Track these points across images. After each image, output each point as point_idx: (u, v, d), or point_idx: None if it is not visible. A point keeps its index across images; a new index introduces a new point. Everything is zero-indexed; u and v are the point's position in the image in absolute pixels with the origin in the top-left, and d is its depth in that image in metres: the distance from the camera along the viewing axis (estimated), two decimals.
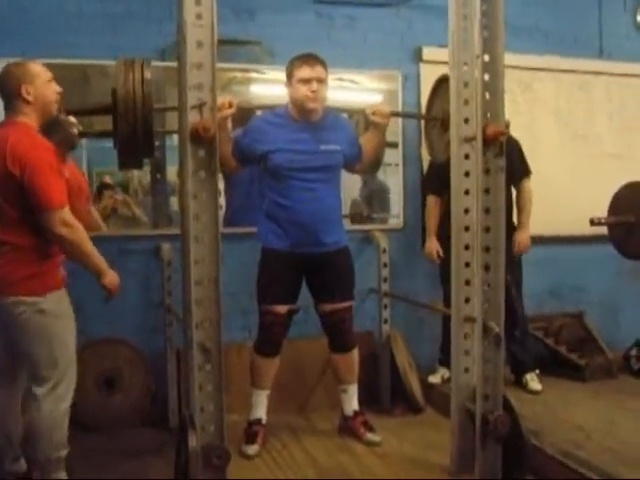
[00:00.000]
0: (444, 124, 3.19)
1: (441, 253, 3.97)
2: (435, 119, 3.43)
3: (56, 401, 2.65)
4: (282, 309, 3.35)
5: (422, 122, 3.94)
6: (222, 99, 3.05)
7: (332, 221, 3.44)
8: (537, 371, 4.07)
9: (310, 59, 3.32)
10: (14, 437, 2.81)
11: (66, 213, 2.59)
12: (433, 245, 4.06)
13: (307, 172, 3.33)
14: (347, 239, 3.54)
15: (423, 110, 4.26)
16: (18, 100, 2.66)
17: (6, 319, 2.63)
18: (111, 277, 2.78)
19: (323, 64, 3.34)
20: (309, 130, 3.36)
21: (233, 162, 3.34)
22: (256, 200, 3.50)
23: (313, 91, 3.27)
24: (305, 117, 3.36)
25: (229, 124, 3.43)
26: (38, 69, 2.72)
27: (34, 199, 2.55)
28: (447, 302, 3.81)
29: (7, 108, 2.71)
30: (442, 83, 3.35)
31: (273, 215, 3.38)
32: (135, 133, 2.73)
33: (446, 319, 3.98)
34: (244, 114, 3.62)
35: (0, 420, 2.80)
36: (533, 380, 4.00)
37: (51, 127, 2.81)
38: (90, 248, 2.69)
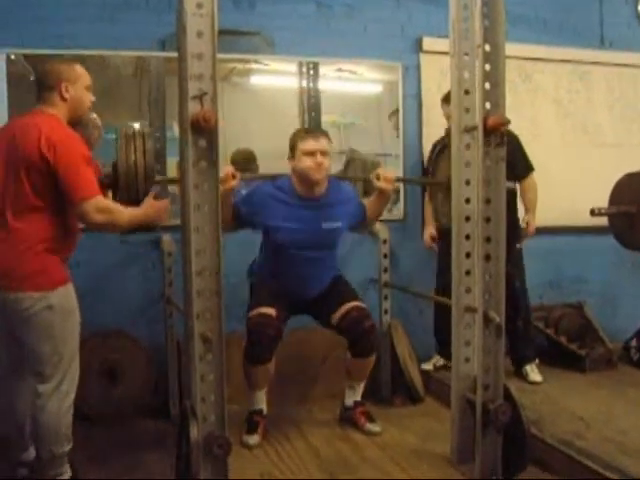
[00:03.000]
0: (449, 189, 3.20)
1: (436, 238, 4.02)
2: (439, 184, 3.45)
3: (61, 398, 2.64)
4: (270, 311, 3.31)
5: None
6: (225, 171, 3.06)
7: (327, 277, 3.50)
8: (537, 361, 4.07)
9: (313, 131, 3.37)
10: (25, 427, 2.81)
11: (100, 200, 2.59)
12: (427, 232, 4.11)
13: (308, 250, 3.36)
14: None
15: (423, 98, 4.32)
16: (54, 94, 2.68)
17: (12, 314, 2.61)
18: (149, 214, 2.77)
19: (327, 136, 3.37)
20: (312, 207, 3.36)
21: (232, 226, 3.30)
22: None
23: (318, 163, 3.27)
24: (309, 191, 3.36)
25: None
26: (82, 72, 2.75)
27: (69, 190, 2.56)
28: (439, 293, 3.91)
29: (39, 99, 2.71)
30: (446, 149, 3.38)
31: (269, 270, 3.43)
32: (137, 203, 2.75)
33: (438, 308, 4.06)
34: None
35: (12, 410, 2.80)
36: (533, 371, 4.00)
37: (76, 124, 2.81)
38: (127, 220, 2.69)
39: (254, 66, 4.19)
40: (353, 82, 4.35)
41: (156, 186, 2.85)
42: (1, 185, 2.61)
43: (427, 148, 4.20)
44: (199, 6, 2.35)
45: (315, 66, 4.20)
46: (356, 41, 4.20)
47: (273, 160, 4.04)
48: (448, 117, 3.88)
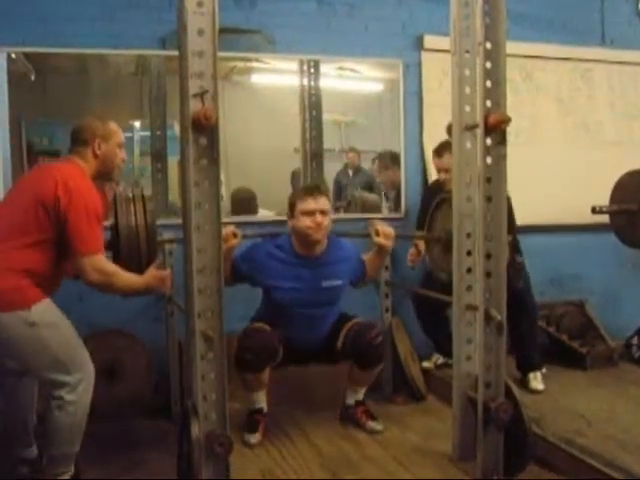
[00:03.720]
0: (447, 244, 3.20)
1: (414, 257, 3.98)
2: (438, 239, 3.46)
3: (79, 400, 2.65)
4: (266, 327, 3.31)
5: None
6: (226, 230, 3.08)
7: (328, 328, 3.48)
8: (544, 370, 3.96)
9: (313, 191, 3.35)
10: (29, 424, 2.82)
11: (100, 260, 2.61)
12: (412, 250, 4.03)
13: (308, 308, 3.37)
14: None
15: (424, 95, 4.32)
16: (87, 149, 2.74)
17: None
18: (151, 283, 2.79)
19: (326, 195, 3.38)
20: (312, 266, 3.36)
21: (230, 282, 3.26)
22: None
23: (317, 223, 3.27)
24: (308, 250, 3.35)
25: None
26: (116, 130, 2.81)
27: (73, 240, 2.57)
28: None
29: (72, 152, 2.77)
30: (443, 203, 3.38)
31: (271, 322, 3.38)
32: (140, 268, 2.77)
33: (419, 308, 4.07)
34: None
35: (17, 407, 2.81)
36: (536, 379, 3.86)
37: (104, 179, 2.89)
38: (125, 286, 2.71)
39: (255, 64, 4.19)
40: (354, 80, 4.36)
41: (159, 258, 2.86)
42: (5, 212, 2.64)
43: (428, 146, 4.20)
44: (200, 4, 2.35)
45: (316, 64, 4.20)
46: (357, 39, 4.19)
47: (273, 158, 4.05)
48: (439, 170, 3.91)
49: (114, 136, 2.78)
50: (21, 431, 2.82)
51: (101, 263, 2.61)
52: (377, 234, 3.39)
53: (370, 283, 3.79)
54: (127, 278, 2.70)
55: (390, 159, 4.43)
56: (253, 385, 3.37)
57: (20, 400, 2.80)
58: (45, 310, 2.60)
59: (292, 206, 3.34)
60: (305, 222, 3.28)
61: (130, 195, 2.85)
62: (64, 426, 2.63)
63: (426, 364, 4.15)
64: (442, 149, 3.81)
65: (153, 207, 2.85)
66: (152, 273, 2.79)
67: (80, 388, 2.65)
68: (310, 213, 3.27)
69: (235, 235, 3.19)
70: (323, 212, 3.29)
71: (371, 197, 4.49)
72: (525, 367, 3.93)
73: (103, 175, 2.81)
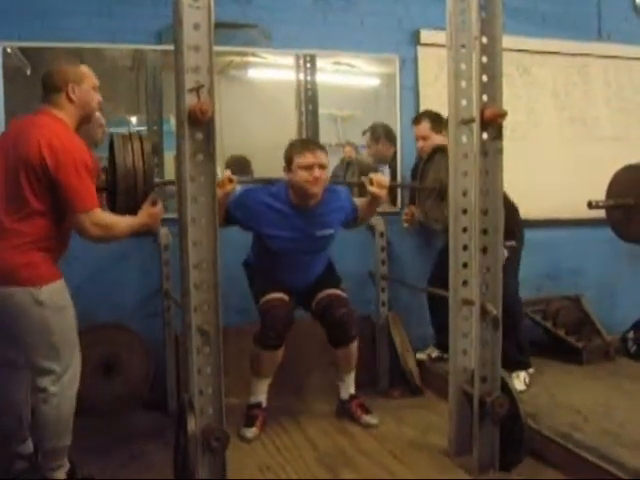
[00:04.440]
0: (441, 194, 3.20)
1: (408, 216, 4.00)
2: (432, 189, 3.47)
3: (62, 392, 2.63)
4: (282, 295, 3.35)
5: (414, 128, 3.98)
6: (222, 176, 3.08)
7: (319, 271, 3.54)
8: (530, 370, 3.83)
9: (310, 145, 3.35)
10: (24, 419, 2.82)
11: (97, 214, 2.60)
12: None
13: (301, 254, 3.41)
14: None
15: (421, 90, 4.31)
16: (61, 95, 2.67)
17: (2, 310, 2.58)
18: (147, 222, 2.79)
19: (323, 149, 3.35)
20: (306, 216, 3.36)
21: (221, 224, 3.15)
22: None
23: (316, 177, 3.26)
24: (304, 201, 3.35)
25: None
26: (88, 73, 2.74)
27: (67, 199, 2.56)
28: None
29: (46, 100, 2.70)
30: (436, 153, 3.40)
31: (264, 266, 3.47)
32: (135, 208, 2.75)
33: (433, 301, 4.05)
34: None
35: (11, 402, 2.80)
36: (518, 377, 3.71)
37: (86, 124, 2.82)
38: (124, 232, 2.71)
39: (251, 59, 4.18)
40: (350, 75, 4.35)
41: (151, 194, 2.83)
42: (0, 184, 2.59)
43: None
44: None
45: (312, 59, 4.19)
46: (353, 34, 4.19)
47: (270, 152, 4.04)
48: (417, 138, 3.98)
49: (87, 79, 2.71)
50: (16, 427, 2.81)
51: (99, 217, 2.60)
52: (371, 183, 3.38)
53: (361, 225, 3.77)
54: (125, 224, 2.70)
55: (383, 131, 4.39)
56: (266, 366, 3.38)
57: (15, 396, 2.79)
58: (55, 292, 2.61)
59: (289, 160, 3.32)
60: (303, 176, 3.26)
61: (128, 135, 2.79)
62: (50, 419, 2.62)
63: (420, 356, 4.14)
64: (419, 117, 3.95)
65: (150, 148, 2.79)
66: (147, 211, 2.78)
67: (65, 378, 2.63)
68: (308, 167, 3.26)
69: (231, 180, 3.14)
70: (321, 166, 3.29)
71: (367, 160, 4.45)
72: (510, 366, 3.55)
73: (84, 120, 2.74)
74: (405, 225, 4.09)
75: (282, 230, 3.34)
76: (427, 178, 3.59)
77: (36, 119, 2.64)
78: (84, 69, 2.74)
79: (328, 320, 3.43)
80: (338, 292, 3.47)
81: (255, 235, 3.47)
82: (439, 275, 3.83)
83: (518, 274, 3.87)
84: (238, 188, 3.28)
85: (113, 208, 2.80)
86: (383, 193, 3.42)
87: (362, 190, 3.59)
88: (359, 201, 3.55)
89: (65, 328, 2.65)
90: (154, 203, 2.80)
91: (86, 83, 2.71)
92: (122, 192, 2.72)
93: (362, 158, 4.42)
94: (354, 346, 3.49)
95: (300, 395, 3.88)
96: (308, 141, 3.39)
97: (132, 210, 2.75)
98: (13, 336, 2.64)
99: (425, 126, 3.91)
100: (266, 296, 3.36)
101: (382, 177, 3.45)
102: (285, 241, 3.36)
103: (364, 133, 4.42)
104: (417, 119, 3.99)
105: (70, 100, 2.67)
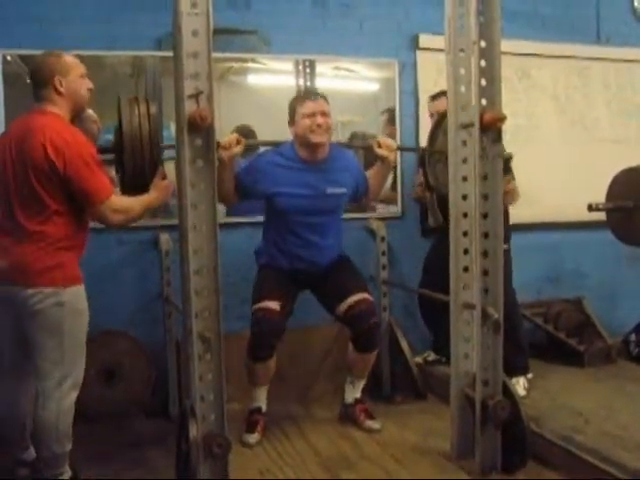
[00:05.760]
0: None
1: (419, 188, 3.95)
2: (441, 153, 3.45)
3: (61, 398, 2.62)
4: (274, 305, 3.30)
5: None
6: (229, 137, 3.09)
7: (332, 247, 3.50)
8: (529, 375, 3.79)
9: (311, 94, 3.37)
10: (27, 426, 2.81)
11: (114, 201, 2.63)
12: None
13: (312, 215, 3.37)
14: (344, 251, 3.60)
15: (420, 95, 4.32)
16: (49, 90, 2.66)
17: (21, 310, 2.59)
18: (160, 197, 2.83)
19: (325, 98, 3.36)
20: (315, 171, 3.35)
21: (235, 198, 3.33)
22: None
23: (318, 124, 3.26)
24: (311, 154, 3.35)
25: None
26: (73, 62, 2.72)
27: (82, 194, 2.58)
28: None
29: (37, 97, 2.69)
30: (445, 117, 3.38)
31: (276, 243, 3.43)
32: (143, 171, 2.75)
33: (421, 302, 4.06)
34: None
35: (14, 409, 2.79)
36: (518, 383, 3.65)
37: (73, 121, 2.80)
38: (142, 212, 2.76)
39: (251, 65, 4.18)
40: (350, 80, 4.35)
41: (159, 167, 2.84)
42: (11, 190, 2.61)
43: (423, 145, 4.18)
44: (194, 5, 2.37)
45: (312, 64, 4.19)
46: (352, 39, 4.19)
47: None
48: (432, 114, 3.92)
49: (72, 69, 2.69)
50: (19, 435, 2.82)
51: (117, 203, 2.65)
52: (379, 146, 3.37)
53: (374, 203, 3.77)
54: (140, 203, 2.74)
55: None
56: (260, 376, 3.37)
57: (20, 407, 2.79)
58: (76, 295, 2.65)
59: (292, 112, 3.34)
60: (306, 123, 3.27)
61: (134, 98, 2.80)
62: (50, 426, 2.61)
63: (416, 359, 4.10)
64: (439, 94, 3.84)
65: (156, 111, 2.80)
66: (159, 185, 2.80)
67: (65, 386, 2.62)
68: (310, 115, 3.27)
69: (239, 142, 3.13)
70: (324, 113, 3.29)
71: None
72: (509, 371, 3.49)
73: (77, 110, 2.73)
74: (415, 195, 4.04)
75: (292, 187, 3.32)
76: (437, 142, 3.56)
77: (33, 121, 2.63)
78: (68, 59, 2.71)
79: (357, 328, 3.38)
80: (369, 298, 3.42)
81: (266, 203, 3.42)
82: (429, 280, 3.84)
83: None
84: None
85: (122, 177, 2.83)
86: (392, 155, 3.42)
87: (368, 158, 3.61)
88: (367, 173, 3.54)
89: (77, 333, 2.66)
90: (164, 177, 2.82)
91: (72, 73, 2.68)
92: (128, 152, 2.71)
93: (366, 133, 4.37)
94: (374, 355, 3.50)
95: (302, 401, 3.87)
96: (309, 91, 3.40)
97: (139, 173, 2.75)
98: (27, 335, 2.63)
99: (444, 102, 3.82)
100: (259, 303, 3.32)
101: (389, 140, 3.46)
102: (295, 198, 3.32)
103: (382, 113, 4.42)
104: (436, 95, 3.89)
105: (59, 93, 2.66)
